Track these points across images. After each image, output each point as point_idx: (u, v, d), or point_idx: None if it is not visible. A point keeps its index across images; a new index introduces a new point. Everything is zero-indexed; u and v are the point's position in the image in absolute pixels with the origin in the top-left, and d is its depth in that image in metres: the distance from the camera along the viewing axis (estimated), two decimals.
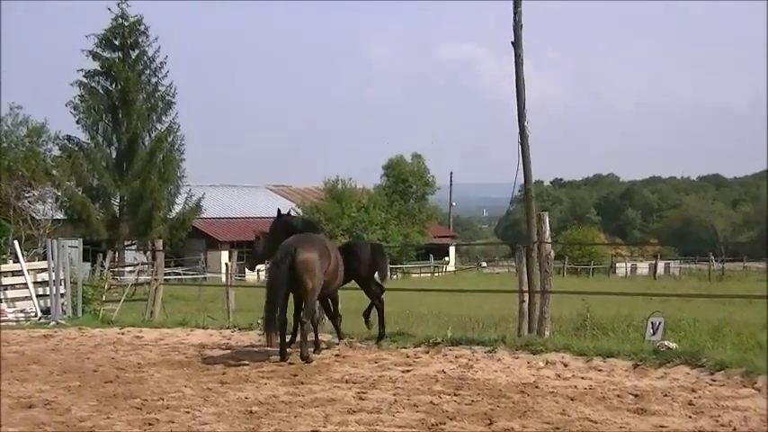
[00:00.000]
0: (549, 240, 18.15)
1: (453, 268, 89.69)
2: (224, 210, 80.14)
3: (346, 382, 14.15)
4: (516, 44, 18.11)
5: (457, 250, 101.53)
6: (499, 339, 17.27)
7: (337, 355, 16.88)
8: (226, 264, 29.13)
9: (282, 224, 17.54)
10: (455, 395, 12.97)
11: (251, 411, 11.90)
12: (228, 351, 17.95)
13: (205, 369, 15.59)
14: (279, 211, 18.19)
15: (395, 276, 75.19)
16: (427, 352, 16.97)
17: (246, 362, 16.19)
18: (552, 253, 18.37)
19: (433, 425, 11.08)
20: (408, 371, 15.06)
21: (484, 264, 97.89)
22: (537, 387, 13.46)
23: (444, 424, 11.16)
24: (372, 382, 14.08)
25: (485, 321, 25.36)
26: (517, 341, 17.00)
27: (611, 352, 15.54)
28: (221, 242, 75.90)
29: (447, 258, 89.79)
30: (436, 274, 79.61)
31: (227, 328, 21.26)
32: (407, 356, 16.58)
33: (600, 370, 14.70)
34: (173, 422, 11.40)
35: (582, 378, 14.12)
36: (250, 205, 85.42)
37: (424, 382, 13.97)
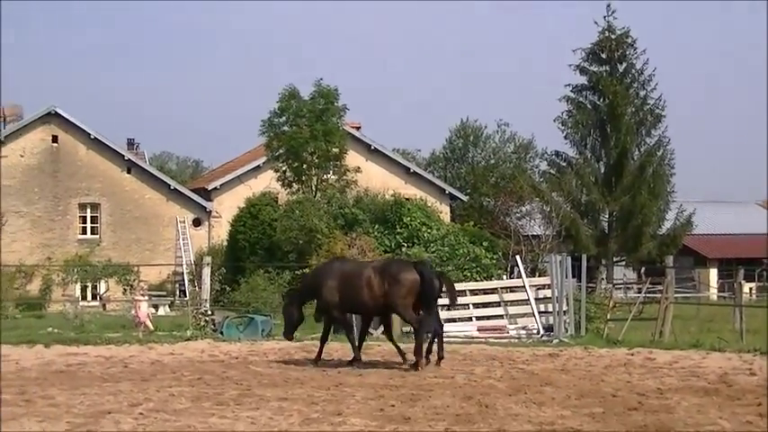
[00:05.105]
0: None
1: None
2: (712, 226, 77.11)
3: None
4: None
5: None
6: None
7: None
8: (739, 283, 27.14)
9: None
10: None
11: None
12: (755, 377, 16.16)
13: (735, 398, 13.94)
14: None
15: None
16: None
17: None
18: None
19: None
20: None
21: None
22: None
23: None
24: None
25: None
26: None
27: None
28: (709, 259, 73.11)
29: None
30: None
31: (747, 351, 19.44)
32: None
33: None
34: None
35: None
36: (739, 222, 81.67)
37: None
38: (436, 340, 18.30)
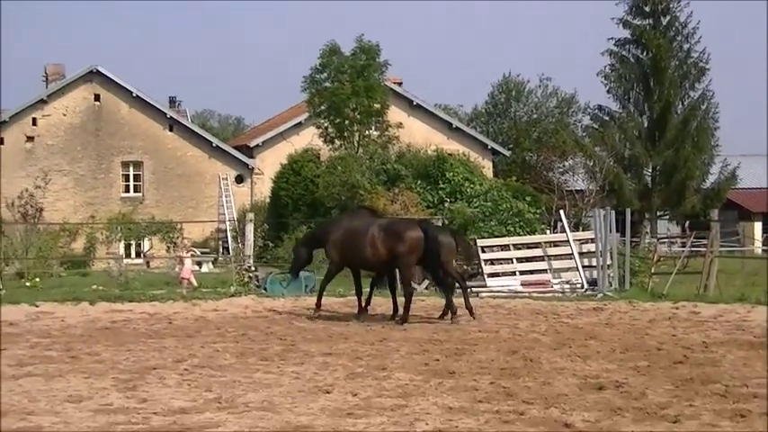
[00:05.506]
0: None
1: None
2: (757, 180, 76.39)
3: None
4: None
5: None
6: None
7: None
8: None
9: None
10: None
11: None
12: None
13: None
14: None
15: None
16: None
17: None
18: None
19: None
20: None
21: None
22: None
23: None
24: None
25: None
26: None
27: None
28: (754, 213, 72.51)
29: None
30: None
31: None
32: None
33: None
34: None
35: None
36: None
37: None
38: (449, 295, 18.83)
